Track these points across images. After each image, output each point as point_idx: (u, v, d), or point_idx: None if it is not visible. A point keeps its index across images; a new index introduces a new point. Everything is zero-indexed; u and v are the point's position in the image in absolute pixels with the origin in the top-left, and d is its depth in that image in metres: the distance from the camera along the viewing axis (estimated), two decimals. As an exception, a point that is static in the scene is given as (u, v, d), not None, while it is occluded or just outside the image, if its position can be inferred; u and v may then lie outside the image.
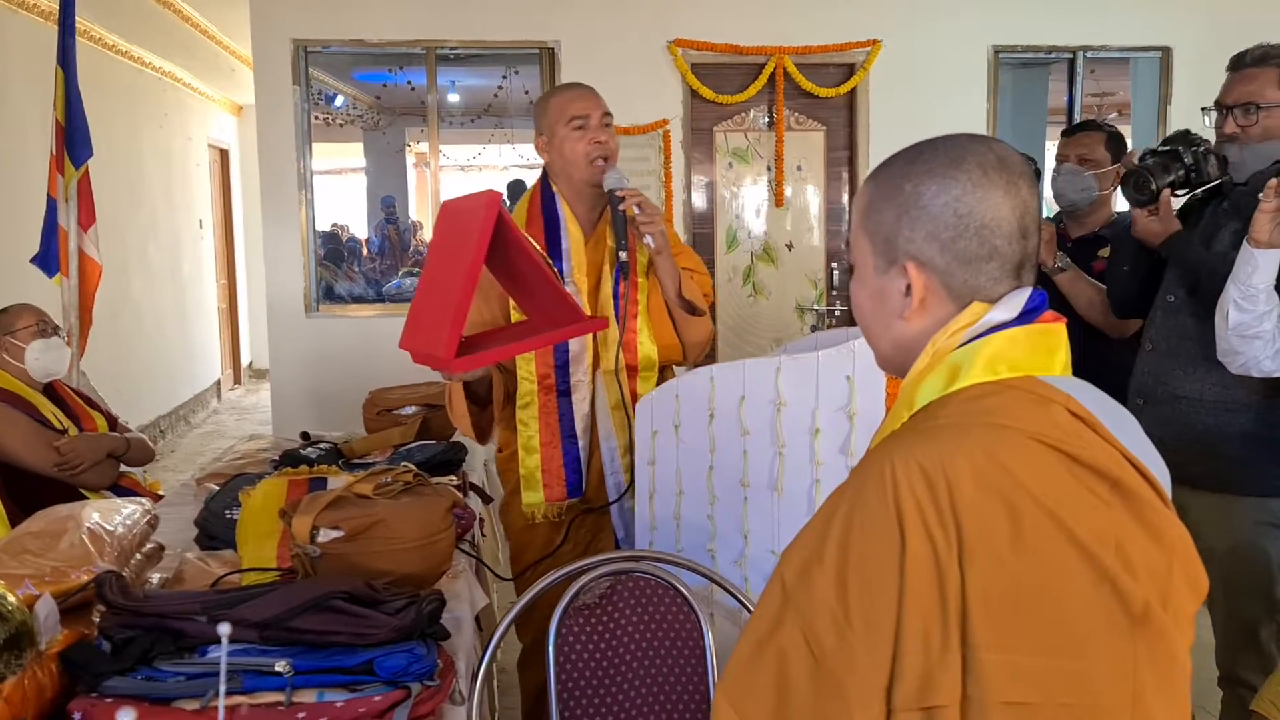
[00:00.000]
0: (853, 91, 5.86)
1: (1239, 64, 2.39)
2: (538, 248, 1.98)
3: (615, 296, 2.29)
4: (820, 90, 5.80)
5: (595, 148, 2.28)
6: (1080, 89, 6.11)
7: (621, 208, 2.19)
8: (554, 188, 2.36)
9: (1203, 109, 2.49)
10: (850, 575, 0.97)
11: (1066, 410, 1.04)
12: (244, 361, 10.47)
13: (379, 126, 8.37)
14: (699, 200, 5.92)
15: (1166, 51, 5.99)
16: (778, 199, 5.91)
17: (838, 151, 5.99)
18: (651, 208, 2.20)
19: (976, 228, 1.06)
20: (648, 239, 2.17)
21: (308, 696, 1.52)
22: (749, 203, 5.97)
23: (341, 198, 9.82)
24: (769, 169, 5.92)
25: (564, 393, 2.30)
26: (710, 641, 1.86)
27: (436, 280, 1.85)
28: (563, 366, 2.30)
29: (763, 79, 5.75)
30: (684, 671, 1.86)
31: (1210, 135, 2.46)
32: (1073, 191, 2.93)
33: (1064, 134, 3.10)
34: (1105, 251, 2.89)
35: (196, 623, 1.59)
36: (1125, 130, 6.60)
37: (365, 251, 8.74)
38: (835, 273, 6.02)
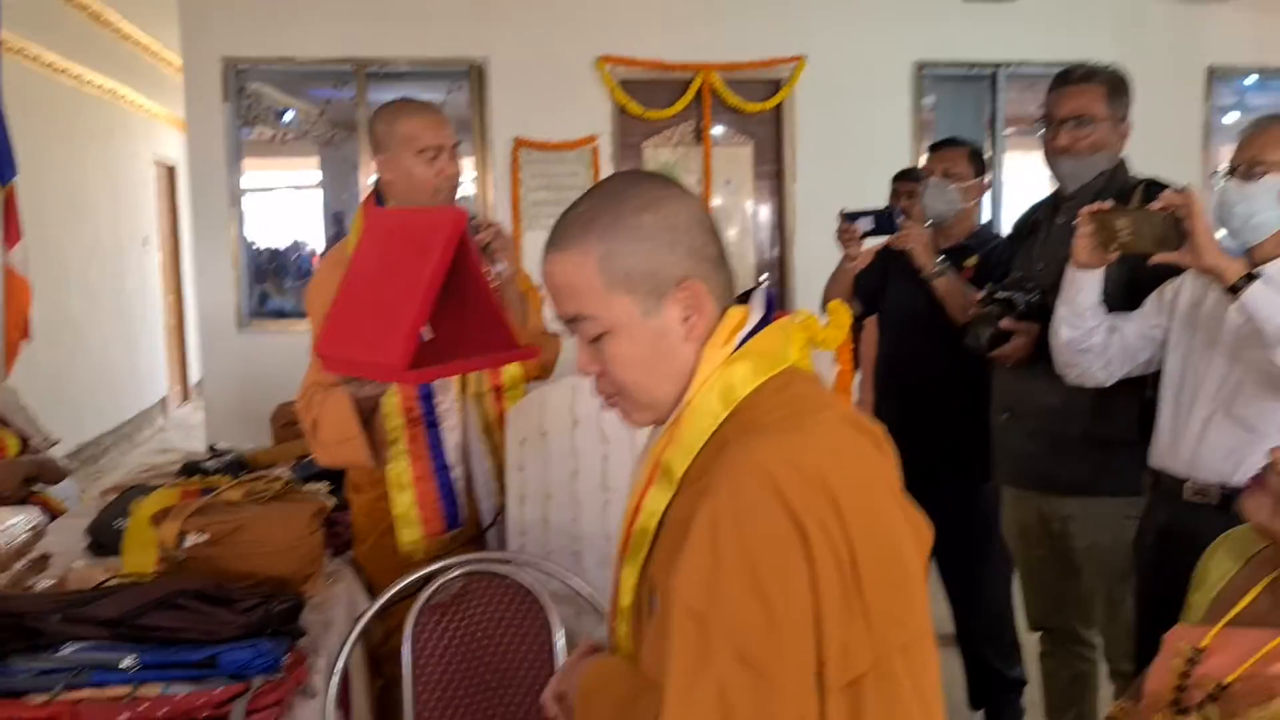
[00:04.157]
0: (779, 106, 6.01)
1: (1066, 80, 2.49)
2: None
3: None
4: (747, 105, 5.94)
5: (443, 180, 2.23)
6: (1003, 103, 6.27)
7: (479, 237, 2.16)
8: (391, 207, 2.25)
9: (1035, 122, 2.62)
10: (765, 581, 1.02)
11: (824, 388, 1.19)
12: (193, 378, 10.46)
13: (334, 141, 8.42)
14: (629, 214, 6.02)
15: (1082, 67, 6.16)
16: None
17: (766, 165, 6.12)
18: (506, 238, 2.21)
19: (712, 232, 1.17)
20: (500, 266, 2.17)
21: (153, 690, 1.60)
22: (679, 216, 6.08)
23: (298, 213, 9.83)
24: (699, 183, 6.04)
25: (432, 423, 2.25)
26: (560, 642, 1.94)
27: (373, 289, 1.82)
28: (427, 397, 2.25)
29: (689, 95, 5.88)
30: (533, 669, 1.96)
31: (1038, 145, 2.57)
32: (940, 204, 3.02)
33: (930, 149, 3.20)
34: (972, 260, 2.98)
35: (50, 622, 1.67)
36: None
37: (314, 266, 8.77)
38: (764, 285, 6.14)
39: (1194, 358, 2.20)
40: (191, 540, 1.93)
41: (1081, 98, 2.47)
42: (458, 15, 5.66)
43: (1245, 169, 2.11)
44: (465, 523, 2.31)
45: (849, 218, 3.05)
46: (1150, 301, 2.32)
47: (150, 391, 9.06)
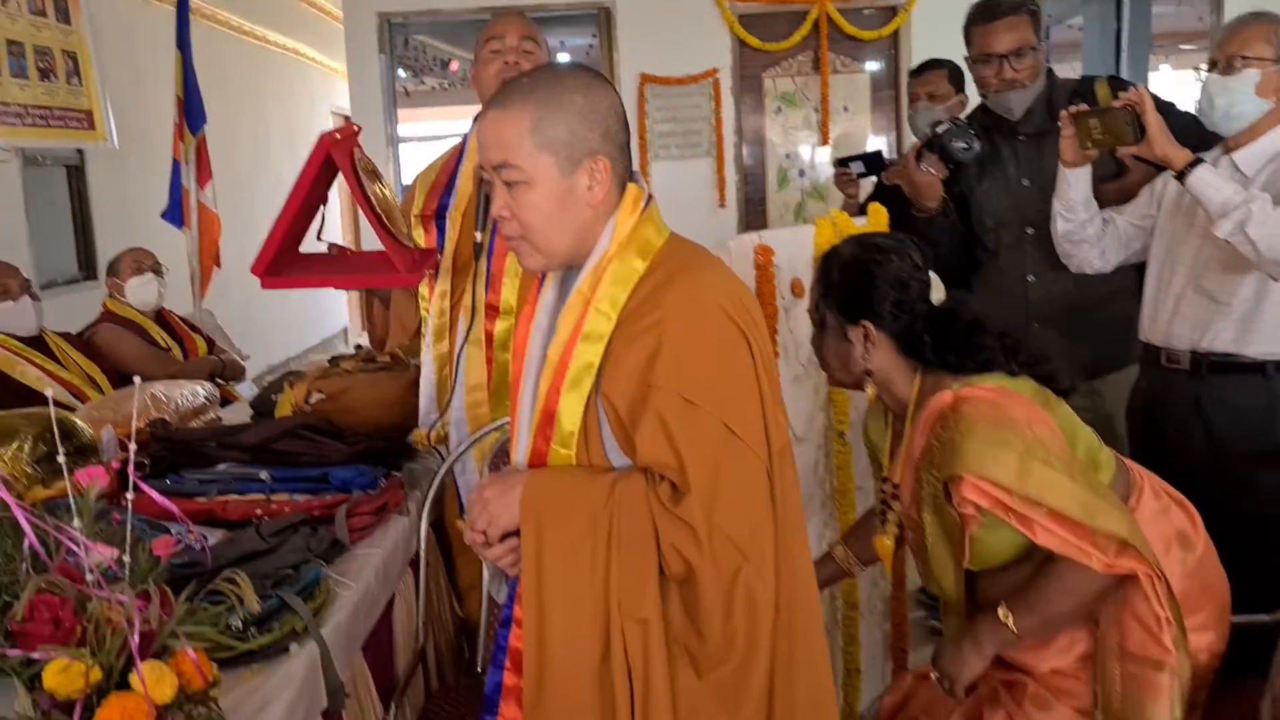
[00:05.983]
0: (895, 33, 6.16)
1: (996, 14, 2.63)
2: (377, 192, 2.12)
3: (493, 234, 2.20)
4: (863, 33, 6.13)
5: (507, 69, 2.17)
6: (1126, 20, 6.22)
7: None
8: None
9: (966, 57, 2.77)
10: (732, 369, 1.39)
11: None
12: (372, 310, 11.38)
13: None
14: (750, 143, 6.34)
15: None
16: (824, 138, 6.28)
17: (883, 91, 6.30)
18: None
19: (624, 122, 1.46)
20: None
21: (282, 497, 2.14)
22: (798, 143, 6.35)
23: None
24: (816, 111, 6.29)
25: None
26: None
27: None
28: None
29: (807, 26, 6.10)
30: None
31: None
32: (927, 126, 3.11)
33: (911, 74, 3.38)
34: None
35: (209, 447, 2.23)
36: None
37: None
38: (882, 207, 6.35)
39: (1175, 240, 2.41)
40: (315, 398, 2.47)
41: (1017, 30, 2.62)
42: (587, -39, 6.06)
43: (1225, 64, 2.28)
44: (434, 425, 2.41)
45: (841, 163, 3.38)
46: (1144, 193, 2.54)
47: (332, 322, 10.00)
